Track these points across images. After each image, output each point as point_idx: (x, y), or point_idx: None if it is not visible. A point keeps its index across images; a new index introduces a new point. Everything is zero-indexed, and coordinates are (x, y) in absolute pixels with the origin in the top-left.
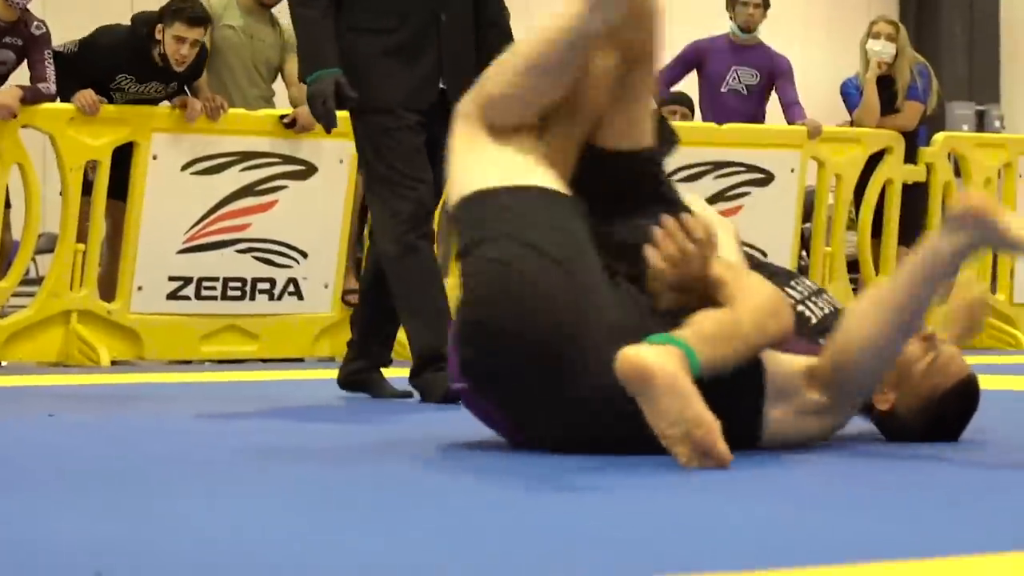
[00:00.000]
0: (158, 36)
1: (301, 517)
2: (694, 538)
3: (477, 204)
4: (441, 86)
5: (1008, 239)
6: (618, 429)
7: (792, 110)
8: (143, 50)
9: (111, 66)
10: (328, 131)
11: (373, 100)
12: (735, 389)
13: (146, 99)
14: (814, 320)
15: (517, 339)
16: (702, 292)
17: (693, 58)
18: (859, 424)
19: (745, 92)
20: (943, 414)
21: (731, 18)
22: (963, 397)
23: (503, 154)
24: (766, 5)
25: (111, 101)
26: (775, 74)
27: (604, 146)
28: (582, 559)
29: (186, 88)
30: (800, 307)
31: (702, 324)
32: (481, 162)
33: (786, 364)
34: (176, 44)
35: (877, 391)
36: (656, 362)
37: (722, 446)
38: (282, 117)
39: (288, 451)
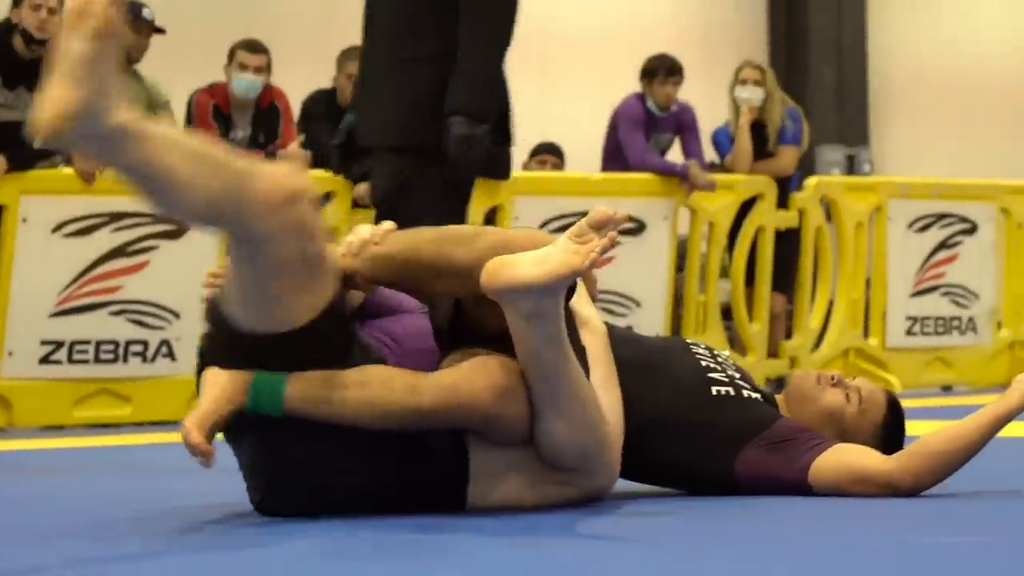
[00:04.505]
0: (14, 20)
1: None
2: None
3: None
4: None
5: None
6: None
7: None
8: (5, 46)
9: None
10: None
11: None
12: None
13: (15, 121)
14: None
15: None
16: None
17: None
18: None
19: (659, 154)
20: (891, 437)
21: (648, 95)
22: (897, 415)
23: None
24: (681, 78)
25: None
26: (682, 127)
27: None
28: None
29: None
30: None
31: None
32: None
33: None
34: (34, 13)
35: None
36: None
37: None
38: None
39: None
